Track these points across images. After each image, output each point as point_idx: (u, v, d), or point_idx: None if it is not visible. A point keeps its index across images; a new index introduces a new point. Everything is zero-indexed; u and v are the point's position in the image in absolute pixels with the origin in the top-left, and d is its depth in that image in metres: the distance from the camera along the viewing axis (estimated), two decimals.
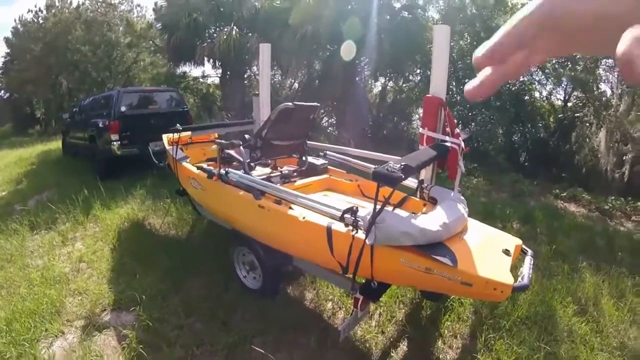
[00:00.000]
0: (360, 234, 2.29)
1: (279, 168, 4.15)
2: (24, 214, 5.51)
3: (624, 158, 8.57)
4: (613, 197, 7.28)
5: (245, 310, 3.22)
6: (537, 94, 10.96)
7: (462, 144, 3.14)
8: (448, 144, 3.06)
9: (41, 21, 19.78)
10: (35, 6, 20.29)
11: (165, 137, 4.87)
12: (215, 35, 11.35)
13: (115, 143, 6.98)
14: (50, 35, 18.49)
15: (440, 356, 2.90)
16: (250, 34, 10.71)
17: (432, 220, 2.26)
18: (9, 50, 22.94)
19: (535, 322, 3.16)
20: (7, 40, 22.49)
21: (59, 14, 19.06)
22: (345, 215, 2.37)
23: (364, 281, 2.56)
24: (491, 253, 2.35)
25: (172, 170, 4.34)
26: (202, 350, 2.81)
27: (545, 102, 11.14)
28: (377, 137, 11.47)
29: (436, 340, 3.02)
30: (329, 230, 2.43)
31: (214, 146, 4.93)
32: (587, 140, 9.53)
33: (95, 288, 3.60)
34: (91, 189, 5.94)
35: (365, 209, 2.42)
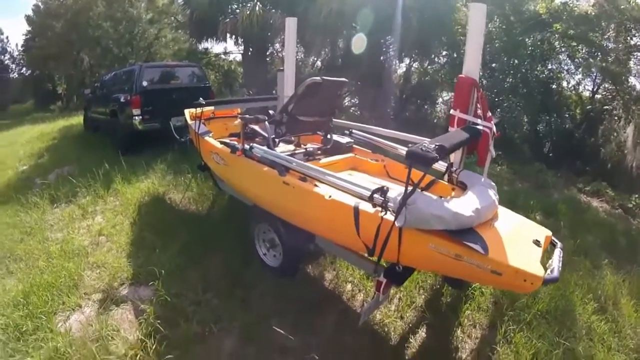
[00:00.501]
0: (389, 216, 2.21)
1: (302, 145, 4.05)
2: (44, 188, 5.57)
3: None
4: (637, 196, 7.04)
5: (264, 288, 3.20)
6: (564, 84, 10.61)
7: (494, 128, 3.01)
8: (480, 127, 2.94)
9: None
10: None
11: (187, 112, 4.82)
12: (238, 11, 11.18)
13: (136, 118, 6.96)
14: (71, 12, 18.54)
15: (459, 345, 2.85)
16: (273, 10, 10.52)
17: (464, 205, 2.17)
18: (30, 28, 23.12)
19: (555, 317, 3.09)
20: (28, 18, 22.63)
21: None
22: (375, 195, 2.29)
23: (386, 264, 2.51)
24: (522, 243, 2.27)
25: (194, 145, 4.29)
26: (219, 327, 2.80)
27: (573, 92, 10.78)
28: (399, 118, 11.20)
29: (455, 329, 2.97)
30: (356, 210, 2.35)
31: (237, 121, 4.85)
32: (615, 134, 9.21)
33: (114, 262, 3.61)
34: (112, 164, 5.94)
35: (394, 190, 2.33)
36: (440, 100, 12.55)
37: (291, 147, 3.98)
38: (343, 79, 3.65)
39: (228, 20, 10.98)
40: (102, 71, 16.29)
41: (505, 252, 2.04)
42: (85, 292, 3.24)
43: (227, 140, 3.85)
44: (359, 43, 9.55)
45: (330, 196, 2.55)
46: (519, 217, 2.71)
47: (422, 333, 2.91)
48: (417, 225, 2.07)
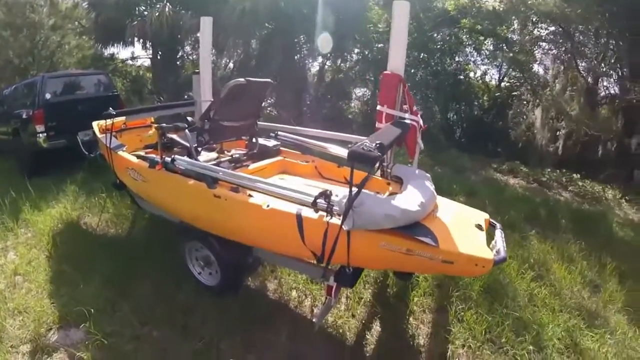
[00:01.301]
0: (335, 220, 2.14)
1: (226, 152, 3.80)
2: None
3: (557, 134, 9.25)
4: (549, 170, 7.78)
5: (205, 310, 2.97)
6: (471, 74, 11.44)
7: (421, 121, 3.12)
8: (407, 122, 3.00)
9: None
10: None
11: (95, 125, 4.34)
12: (146, 13, 10.55)
13: (41, 135, 6.23)
14: None
15: (416, 332, 2.90)
16: (184, 11, 10.03)
17: (409, 200, 2.18)
18: None
19: (497, 290, 3.26)
20: None
21: None
22: (318, 201, 2.19)
23: (334, 267, 2.45)
24: (466, 229, 2.33)
25: (107, 160, 3.87)
26: None
27: (480, 81, 11.66)
28: (316, 116, 11.30)
29: (407, 317, 3.02)
30: (299, 218, 2.26)
31: (152, 131, 4.45)
32: (524, 117, 10.11)
33: (36, 304, 3.14)
34: (18, 190, 5.25)
35: (335, 191, 2.26)
36: (354, 96, 12.97)
37: (214, 155, 3.69)
38: (268, 80, 3.49)
39: (136, 23, 10.28)
40: (1, 85, 14.55)
41: (453, 240, 2.10)
42: (11, 344, 2.77)
43: (143, 154, 3.53)
44: (324, 42, 9.48)
45: (268, 205, 2.42)
46: (456, 204, 2.80)
47: (376, 327, 2.92)
48: (366, 226, 2.03)
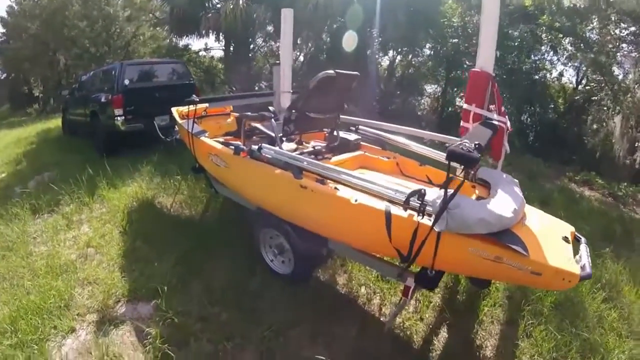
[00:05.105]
0: (426, 220, 2.06)
1: (304, 143, 3.81)
2: (24, 197, 5.13)
3: (636, 145, 8.46)
4: (625, 184, 7.14)
5: (275, 297, 3.00)
6: (548, 75, 10.76)
7: (508, 123, 2.96)
8: (496, 123, 2.85)
9: None
10: None
11: (175, 111, 4.53)
12: (219, 5, 10.88)
13: (119, 118, 6.61)
14: (46, 12, 17.81)
15: (483, 344, 2.78)
16: (257, 5, 10.23)
17: (503, 206, 2.07)
18: (4, 30, 22.16)
19: (568, 308, 3.08)
20: (2, 19, 21.61)
21: None
22: (411, 199, 2.12)
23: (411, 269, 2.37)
24: (553, 240, 2.19)
25: (188, 146, 4.00)
26: (233, 344, 2.58)
27: (556, 82, 10.94)
28: (385, 112, 11.12)
29: (476, 327, 2.90)
30: (388, 215, 2.19)
31: (230, 119, 4.59)
32: (604, 124, 9.37)
33: (107, 277, 3.29)
34: (95, 167, 5.56)
35: (429, 192, 2.17)
36: (425, 92, 12.62)
37: (293, 145, 3.70)
38: (355, 73, 3.45)
39: (210, 15, 10.66)
40: (78, 72, 15.72)
41: (543, 252, 1.98)
42: (78, 312, 2.92)
43: (223, 140, 3.62)
44: (350, 41, 9.41)
45: (356, 200, 2.36)
46: (542, 213, 2.63)
47: (443, 333, 2.82)
48: (459, 229, 1.94)
